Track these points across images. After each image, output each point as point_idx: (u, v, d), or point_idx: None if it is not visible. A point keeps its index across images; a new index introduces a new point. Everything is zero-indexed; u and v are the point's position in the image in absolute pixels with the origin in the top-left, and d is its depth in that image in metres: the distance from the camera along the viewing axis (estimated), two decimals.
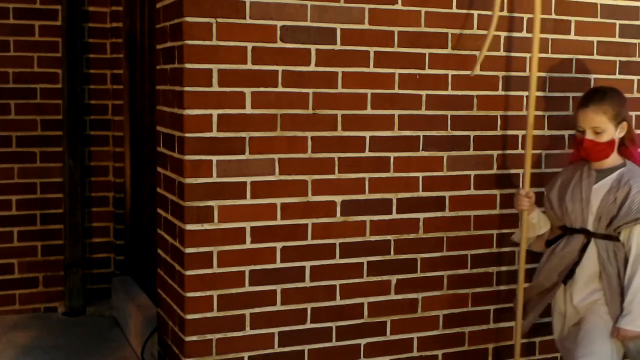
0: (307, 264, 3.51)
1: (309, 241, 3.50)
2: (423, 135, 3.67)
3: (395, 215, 3.65)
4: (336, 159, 3.52)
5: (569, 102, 3.94)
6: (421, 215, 3.70)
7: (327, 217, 3.52)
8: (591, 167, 3.32)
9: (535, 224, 3.46)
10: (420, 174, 3.68)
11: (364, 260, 3.62)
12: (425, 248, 3.73)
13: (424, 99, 3.65)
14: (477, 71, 3.67)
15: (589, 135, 3.22)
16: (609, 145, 3.24)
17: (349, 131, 3.52)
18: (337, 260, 3.57)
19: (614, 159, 3.29)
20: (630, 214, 3.16)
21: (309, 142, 3.46)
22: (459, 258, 3.80)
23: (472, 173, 3.79)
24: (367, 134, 3.56)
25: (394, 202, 3.65)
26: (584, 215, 3.29)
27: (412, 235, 3.70)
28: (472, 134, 3.76)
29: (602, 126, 3.20)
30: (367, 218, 3.60)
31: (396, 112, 3.61)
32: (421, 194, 3.70)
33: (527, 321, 3.56)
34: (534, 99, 3.51)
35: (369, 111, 3.55)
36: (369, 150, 3.57)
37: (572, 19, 3.90)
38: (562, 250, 3.34)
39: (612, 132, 3.22)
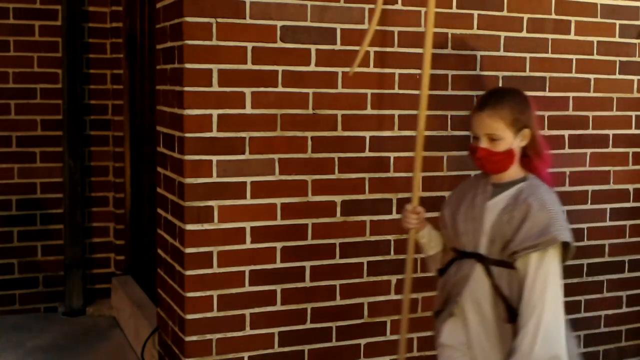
0: (307, 264, 3.51)
1: (309, 241, 3.50)
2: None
3: (395, 215, 3.64)
4: (336, 159, 3.52)
5: (569, 102, 3.93)
6: None
7: (327, 217, 3.52)
8: (488, 181, 2.82)
9: (425, 243, 3.01)
10: (420, 174, 3.67)
11: (364, 260, 3.62)
12: None
13: None
14: (355, 69, 3.29)
15: (484, 144, 2.71)
16: (507, 156, 2.71)
17: (349, 131, 3.52)
18: (337, 260, 3.57)
19: (515, 172, 2.76)
20: (529, 240, 2.62)
21: (309, 142, 3.46)
22: None
23: (472, 173, 3.77)
24: (367, 134, 3.56)
25: (394, 202, 3.65)
26: (475, 236, 2.77)
27: None
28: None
29: (498, 133, 2.68)
30: (367, 218, 3.60)
31: (396, 112, 3.61)
32: (421, 194, 3.68)
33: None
34: (425, 97, 3.07)
35: (369, 111, 3.55)
36: (369, 150, 3.57)
37: (572, 19, 3.90)
38: (453, 278, 2.85)
39: (510, 141, 2.70)
